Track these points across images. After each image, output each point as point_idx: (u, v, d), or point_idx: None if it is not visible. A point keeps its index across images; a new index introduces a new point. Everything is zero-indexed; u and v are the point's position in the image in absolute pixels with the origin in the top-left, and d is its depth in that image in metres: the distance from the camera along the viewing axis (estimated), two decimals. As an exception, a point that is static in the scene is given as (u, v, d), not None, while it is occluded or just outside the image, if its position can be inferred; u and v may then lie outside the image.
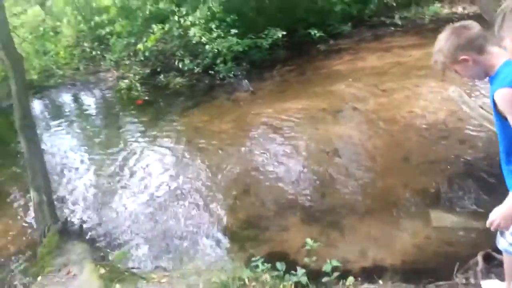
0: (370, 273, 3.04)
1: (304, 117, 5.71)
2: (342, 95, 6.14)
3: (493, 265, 2.61)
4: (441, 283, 2.70)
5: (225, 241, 3.72)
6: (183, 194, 4.55)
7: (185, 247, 3.72)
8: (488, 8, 4.61)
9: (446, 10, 8.90)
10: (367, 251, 3.29)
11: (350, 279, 2.72)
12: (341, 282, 2.74)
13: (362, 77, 6.57)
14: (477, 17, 5.56)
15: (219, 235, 3.81)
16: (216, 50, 7.22)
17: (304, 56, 7.87)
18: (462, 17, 8.03)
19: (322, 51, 7.89)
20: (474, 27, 1.81)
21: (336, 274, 2.82)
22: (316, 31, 7.84)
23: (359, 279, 2.91)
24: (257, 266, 2.94)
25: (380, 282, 2.81)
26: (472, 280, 2.56)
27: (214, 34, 7.26)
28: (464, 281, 2.60)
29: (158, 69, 7.74)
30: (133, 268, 3.21)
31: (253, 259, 3.02)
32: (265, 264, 2.94)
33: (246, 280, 2.56)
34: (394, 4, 9.05)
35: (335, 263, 2.82)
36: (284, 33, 7.54)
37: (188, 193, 4.55)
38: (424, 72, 6.08)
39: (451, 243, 3.06)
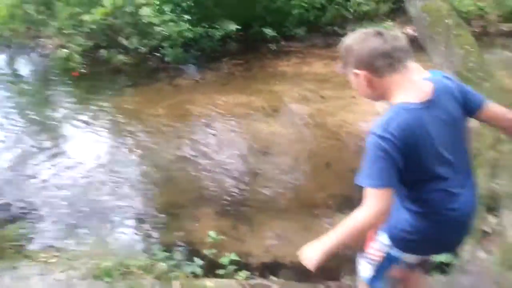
0: (269, 268, 3.09)
1: (241, 112, 5.71)
2: (282, 96, 6.21)
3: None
4: (330, 283, 2.80)
5: (133, 226, 3.64)
6: (103, 175, 4.40)
7: (91, 228, 3.60)
8: (422, 35, 4.87)
9: (396, 29, 9.27)
10: (271, 248, 3.35)
11: (244, 273, 2.74)
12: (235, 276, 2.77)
13: (305, 81, 6.67)
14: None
15: (129, 220, 3.73)
16: (166, 33, 7.05)
17: (254, 53, 7.86)
18: (409, 39, 8.36)
19: (272, 51, 7.92)
20: None
21: (233, 267, 2.86)
22: (270, 30, 7.85)
23: (257, 273, 2.96)
24: (155, 254, 2.90)
25: (274, 278, 2.87)
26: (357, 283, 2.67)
27: (167, 17, 7.08)
28: (350, 283, 2.72)
29: (103, 44, 7.41)
30: (22, 245, 3.04)
31: (153, 246, 2.98)
32: (164, 252, 2.91)
33: (134, 268, 2.51)
34: (351, 17, 9.28)
35: (233, 256, 2.86)
36: (239, 27, 7.49)
37: (108, 174, 4.40)
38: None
39: (351, 247, 3.17)
